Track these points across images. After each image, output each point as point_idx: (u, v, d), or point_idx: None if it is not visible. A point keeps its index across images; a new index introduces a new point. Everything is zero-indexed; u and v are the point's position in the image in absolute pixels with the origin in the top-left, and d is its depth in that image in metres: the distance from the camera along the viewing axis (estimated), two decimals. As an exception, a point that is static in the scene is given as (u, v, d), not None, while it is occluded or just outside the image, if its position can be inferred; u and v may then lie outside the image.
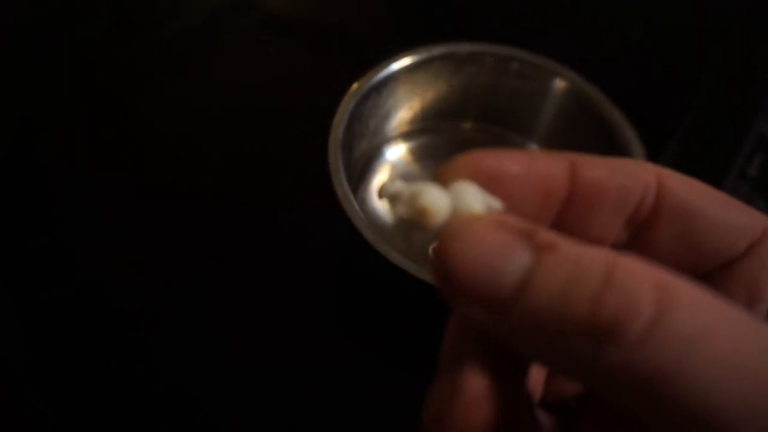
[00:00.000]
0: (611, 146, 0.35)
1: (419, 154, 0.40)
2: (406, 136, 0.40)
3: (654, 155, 0.35)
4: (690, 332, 0.10)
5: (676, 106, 0.45)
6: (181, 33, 0.49)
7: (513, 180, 0.13)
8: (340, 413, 0.32)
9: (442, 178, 0.13)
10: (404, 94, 0.38)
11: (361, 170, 0.38)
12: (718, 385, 0.09)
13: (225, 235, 0.37)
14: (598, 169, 0.13)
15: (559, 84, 0.37)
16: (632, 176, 0.13)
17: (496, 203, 0.12)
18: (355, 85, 0.35)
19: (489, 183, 0.12)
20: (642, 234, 0.14)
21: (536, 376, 0.16)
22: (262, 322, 0.34)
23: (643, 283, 0.10)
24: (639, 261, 0.10)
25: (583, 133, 0.37)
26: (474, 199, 0.12)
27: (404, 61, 0.37)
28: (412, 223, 0.12)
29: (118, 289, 0.35)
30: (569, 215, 0.13)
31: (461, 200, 0.12)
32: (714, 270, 0.13)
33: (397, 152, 0.40)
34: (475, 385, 0.11)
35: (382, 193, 0.13)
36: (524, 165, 0.13)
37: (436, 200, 0.12)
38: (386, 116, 0.39)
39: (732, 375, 0.09)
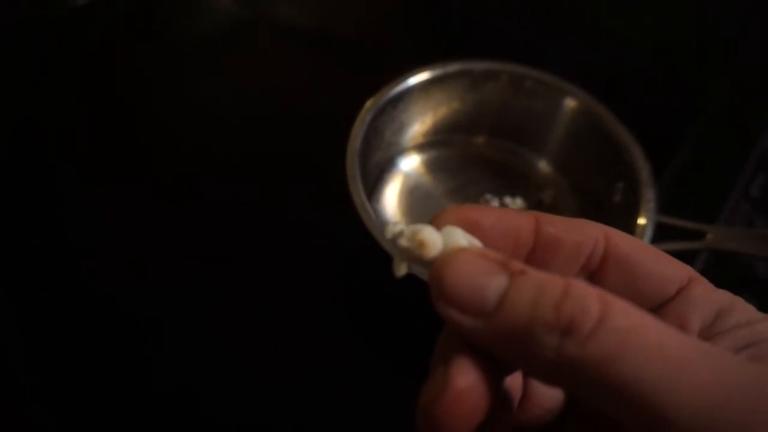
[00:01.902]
0: (618, 163, 0.37)
1: (432, 166, 0.41)
2: (419, 148, 0.41)
3: (658, 171, 0.36)
4: (625, 327, 0.13)
5: (681, 124, 0.47)
6: (189, 39, 0.50)
7: (489, 229, 0.16)
8: (341, 413, 0.32)
9: (435, 222, 0.16)
10: (419, 108, 0.39)
11: (375, 180, 0.39)
12: (648, 366, 0.12)
13: (228, 237, 0.38)
14: (556, 225, 0.17)
15: (570, 103, 0.39)
16: (585, 233, 0.17)
17: (477, 242, 0.16)
18: (371, 100, 0.36)
19: (471, 230, 0.16)
20: (592, 279, 0.17)
21: (516, 382, 0.18)
22: (266, 323, 0.34)
23: (591, 296, 0.13)
24: (587, 283, 0.14)
25: (591, 149, 0.39)
26: (461, 238, 0.15)
27: (420, 77, 0.38)
28: (412, 254, 0.15)
29: (118, 289, 0.35)
30: (535, 261, 0.17)
31: (450, 238, 0.15)
32: (651, 309, 0.16)
33: (410, 163, 0.41)
34: (462, 381, 0.14)
35: (388, 232, 0.16)
36: (497, 218, 0.16)
37: (432, 236, 0.15)
38: (401, 129, 0.40)
39: (657, 358, 0.12)
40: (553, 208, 0.40)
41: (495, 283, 0.14)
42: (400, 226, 0.16)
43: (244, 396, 0.31)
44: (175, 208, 0.39)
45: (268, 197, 0.40)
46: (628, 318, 0.13)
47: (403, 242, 0.16)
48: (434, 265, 0.15)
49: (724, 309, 0.16)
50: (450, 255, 0.14)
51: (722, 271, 0.37)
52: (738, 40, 0.55)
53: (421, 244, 0.15)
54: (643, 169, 0.35)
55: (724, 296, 0.16)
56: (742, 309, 0.16)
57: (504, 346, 0.14)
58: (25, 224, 0.37)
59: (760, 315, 0.16)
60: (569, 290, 0.13)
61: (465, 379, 0.14)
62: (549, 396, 0.18)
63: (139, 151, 0.41)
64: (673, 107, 0.49)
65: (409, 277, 0.29)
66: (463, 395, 0.14)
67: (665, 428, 0.12)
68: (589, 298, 0.13)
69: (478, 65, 0.39)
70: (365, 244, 0.31)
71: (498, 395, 0.16)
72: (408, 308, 0.35)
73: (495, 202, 0.39)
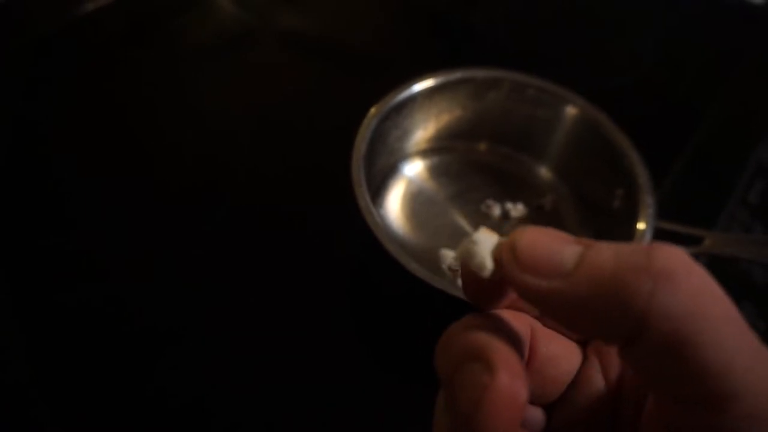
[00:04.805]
0: (617, 169, 0.37)
1: (435, 172, 0.42)
2: (423, 153, 0.42)
3: (658, 177, 0.37)
4: (714, 290, 0.13)
5: (680, 133, 0.47)
6: (192, 47, 0.51)
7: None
8: (348, 421, 0.32)
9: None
10: (423, 114, 0.40)
11: (379, 185, 0.40)
12: (734, 336, 0.12)
13: (233, 242, 0.38)
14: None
15: (571, 111, 0.39)
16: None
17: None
18: (375, 107, 0.37)
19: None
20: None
21: None
22: (269, 328, 0.34)
23: (679, 252, 0.13)
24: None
25: (591, 156, 0.39)
26: (493, 239, 0.16)
27: (424, 84, 0.39)
28: (466, 268, 0.16)
29: (125, 295, 0.35)
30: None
31: (488, 242, 0.16)
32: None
33: (414, 168, 0.41)
34: (507, 377, 0.13)
35: (445, 260, 0.17)
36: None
37: (475, 248, 0.16)
38: (404, 135, 0.40)
39: (741, 335, 0.12)
40: (554, 214, 0.40)
41: (570, 248, 0.14)
42: (451, 253, 0.17)
43: (246, 401, 0.32)
44: (179, 215, 0.39)
45: (273, 202, 0.40)
46: (714, 282, 0.13)
47: (455, 262, 0.17)
48: (508, 239, 0.15)
49: None
50: (524, 230, 0.15)
51: (720, 276, 0.38)
52: (736, 50, 0.56)
53: (470, 255, 0.16)
54: (642, 176, 0.35)
55: None
56: None
57: (586, 302, 0.13)
58: (28, 230, 0.38)
59: None
60: (654, 244, 0.13)
61: (510, 373, 0.14)
62: (529, 415, 0.18)
63: (142, 157, 0.42)
64: (672, 114, 0.50)
65: (415, 282, 0.30)
66: (512, 391, 0.13)
67: (728, 404, 0.12)
68: (679, 251, 0.13)
69: (481, 73, 0.39)
70: (369, 247, 0.32)
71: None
72: (413, 311, 0.35)
73: (496, 208, 0.40)
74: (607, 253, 0.13)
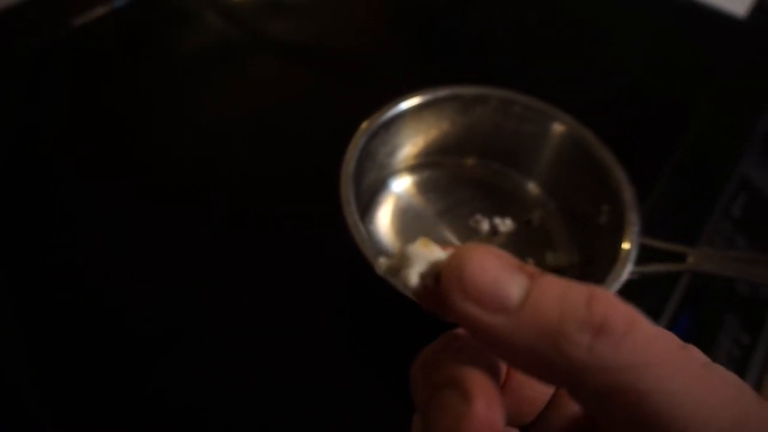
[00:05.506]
0: (603, 185, 0.38)
1: (423, 187, 0.42)
2: (411, 169, 0.42)
3: (643, 194, 0.37)
4: (654, 334, 0.13)
5: (665, 148, 0.48)
6: (184, 58, 0.51)
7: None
8: (349, 426, 0.32)
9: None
10: (411, 130, 0.40)
11: (368, 201, 0.40)
12: (677, 377, 0.12)
13: (237, 246, 0.38)
14: None
15: (558, 127, 0.40)
16: None
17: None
18: (365, 123, 0.37)
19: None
20: None
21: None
22: (273, 332, 0.35)
23: (617, 302, 0.13)
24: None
25: (578, 172, 0.39)
26: (437, 251, 0.15)
27: (412, 101, 0.39)
28: (398, 268, 0.15)
29: (127, 296, 0.35)
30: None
31: (428, 250, 0.15)
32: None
33: (402, 185, 0.42)
34: (484, 406, 0.13)
35: (379, 267, 0.16)
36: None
37: (414, 251, 0.15)
38: (393, 151, 0.41)
39: (685, 371, 0.12)
40: (542, 229, 0.41)
41: (517, 280, 0.13)
42: (384, 259, 0.16)
43: (244, 403, 0.32)
44: (176, 217, 0.39)
45: (270, 204, 0.41)
46: (654, 328, 0.13)
47: (391, 266, 0.15)
48: (451, 259, 0.14)
49: None
50: (468, 249, 0.14)
51: (704, 289, 0.38)
52: (717, 65, 0.57)
53: (397, 268, 0.15)
54: (627, 192, 0.36)
55: None
56: None
57: (527, 345, 0.13)
58: (28, 231, 0.38)
59: None
60: (595, 293, 0.13)
61: (486, 400, 0.13)
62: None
63: (140, 161, 0.42)
64: (656, 131, 0.50)
65: (404, 298, 0.30)
66: (489, 419, 0.13)
67: None
68: (616, 303, 0.13)
69: (468, 90, 0.40)
70: (363, 260, 0.32)
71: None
72: (409, 318, 0.35)
73: (485, 223, 0.40)
74: (552, 295, 0.13)
